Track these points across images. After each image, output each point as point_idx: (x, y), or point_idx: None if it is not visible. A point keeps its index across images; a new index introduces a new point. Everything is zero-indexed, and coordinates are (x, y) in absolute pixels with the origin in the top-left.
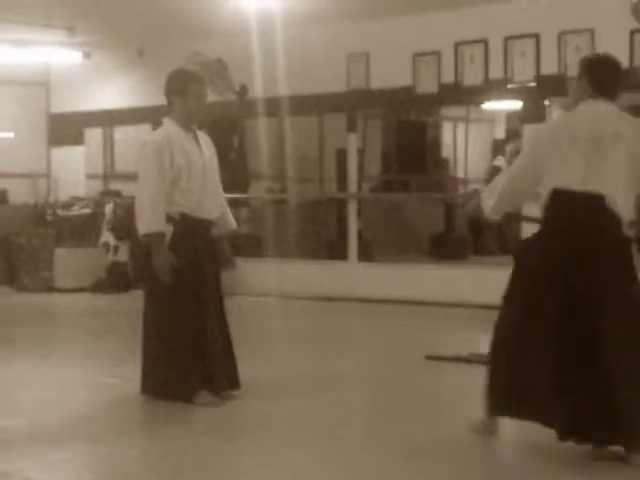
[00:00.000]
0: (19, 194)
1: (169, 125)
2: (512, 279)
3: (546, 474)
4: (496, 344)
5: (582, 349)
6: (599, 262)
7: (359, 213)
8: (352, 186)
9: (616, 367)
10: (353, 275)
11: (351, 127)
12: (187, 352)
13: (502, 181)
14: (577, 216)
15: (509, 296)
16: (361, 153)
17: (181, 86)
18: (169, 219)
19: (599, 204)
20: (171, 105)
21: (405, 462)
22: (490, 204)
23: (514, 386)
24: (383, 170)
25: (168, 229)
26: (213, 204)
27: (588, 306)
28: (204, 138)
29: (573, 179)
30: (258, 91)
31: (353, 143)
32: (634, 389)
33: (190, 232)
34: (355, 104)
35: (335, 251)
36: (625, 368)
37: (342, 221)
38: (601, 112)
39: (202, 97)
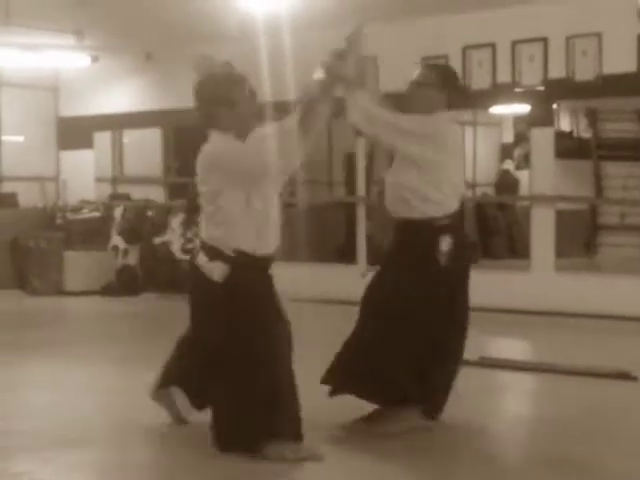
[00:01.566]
0: (29, 198)
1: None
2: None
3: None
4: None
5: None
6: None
7: (368, 217)
8: (361, 190)
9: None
10: (362, 279)
11: (359, 131)
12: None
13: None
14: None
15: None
16: (370, 157)
17: (226, 94)
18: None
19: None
20: (215, 118)
21: (400, 461)
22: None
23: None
24: None
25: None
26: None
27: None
28: None
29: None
30: (266, 95)
31: (362, 147)
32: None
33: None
34: None
35: (344, 255)
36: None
37: (351, 225)
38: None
39: (253, 102)
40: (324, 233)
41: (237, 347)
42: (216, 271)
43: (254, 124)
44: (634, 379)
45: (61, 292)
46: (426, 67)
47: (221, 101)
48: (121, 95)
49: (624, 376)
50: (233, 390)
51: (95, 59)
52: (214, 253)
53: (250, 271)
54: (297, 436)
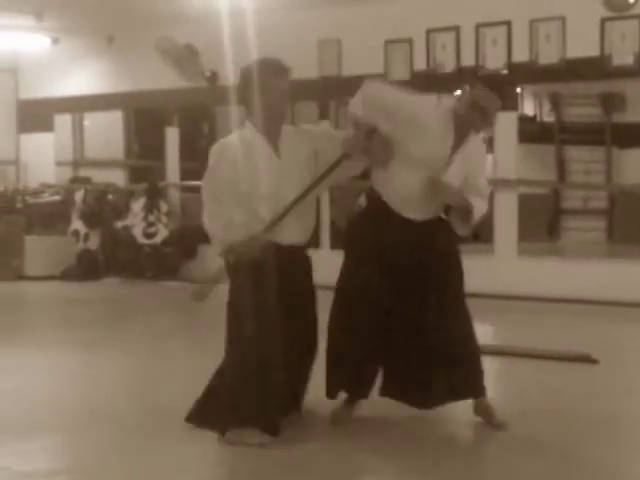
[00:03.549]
0: None
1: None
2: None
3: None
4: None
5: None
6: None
7: (332, 201)
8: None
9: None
10: (326, 262)
11: (323, 114)
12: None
13: None
14: None
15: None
16: None
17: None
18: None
19: None
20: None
21: (390, 459)
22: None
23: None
24: None
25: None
26: (295, 227)
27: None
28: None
29: None
30: (229, 77)
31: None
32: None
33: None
34: (327, 91)
35: (311, 239)
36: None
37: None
38: None
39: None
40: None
41: (227, 328)
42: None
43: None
44: (595, 362)
45: (21, 277)
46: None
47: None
48: (82, 77)
49: (585, 359)
50: (215, 372)
51: (55, 41)
52: None
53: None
54: (268, 428)
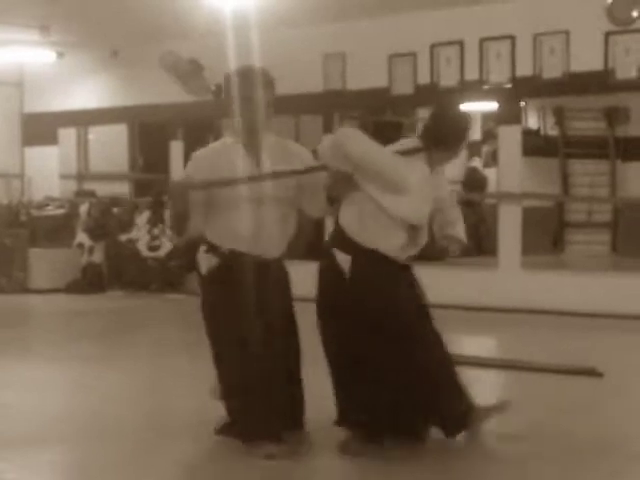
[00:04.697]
0: None
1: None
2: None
3: None
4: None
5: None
6: None
7: None
8: None
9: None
10: None
11: (327, 128)
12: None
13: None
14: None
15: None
16: None
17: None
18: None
19: None
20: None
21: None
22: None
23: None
24: None
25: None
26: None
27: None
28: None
29: None
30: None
31: None
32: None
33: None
34: (331, 105)
35: (314, 252)
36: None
37: (320, 223)
38: None
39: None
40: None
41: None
42: (203, 263)
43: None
44: (600, 375)
45: (26, 290)
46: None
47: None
48: (86, 91)
49: (590, 372)
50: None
51: (61, 55)
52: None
53: (230, 266)
54: (272, 436)
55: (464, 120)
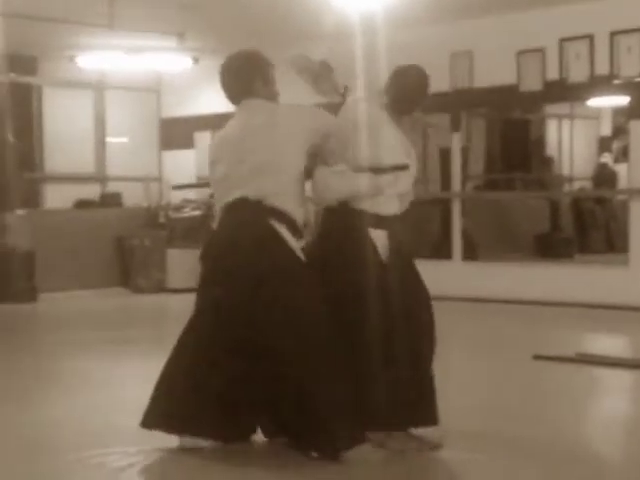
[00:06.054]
0: (133, 197)
1: None
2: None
3: None
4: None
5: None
6: None
7: (463, 212)
8: (456, 185)
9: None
10: (457, 274)
11: (455, 126)
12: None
13: None
14: None
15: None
16: (465, 152)
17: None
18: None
19: None
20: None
21: (502, 461)
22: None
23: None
24: (487, 169)
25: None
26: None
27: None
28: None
29: None
30: (362, 93)
31: (457, 142)
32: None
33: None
34: (459, 103)
35: (440, 250)
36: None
37: (446, 220)
38: None
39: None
40: (419, 229)
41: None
42: None
43: None
44: None
45: (164, 289)
46: None
47: None
48: (221, 95)
49: None
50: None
51: (196, 60)
52: None
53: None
54: (220, 437)
55: (424, 76)
